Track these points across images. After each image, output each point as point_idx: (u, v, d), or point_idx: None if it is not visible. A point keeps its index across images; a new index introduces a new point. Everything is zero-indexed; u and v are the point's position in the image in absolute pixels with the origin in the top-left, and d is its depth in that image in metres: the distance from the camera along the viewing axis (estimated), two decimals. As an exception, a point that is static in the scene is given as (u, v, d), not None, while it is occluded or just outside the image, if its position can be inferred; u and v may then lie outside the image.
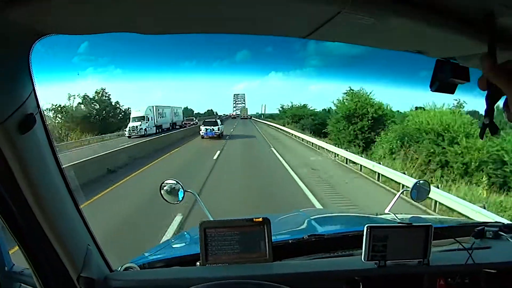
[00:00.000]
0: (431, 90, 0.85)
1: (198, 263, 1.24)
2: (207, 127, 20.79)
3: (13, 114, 0.75)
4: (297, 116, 30.07)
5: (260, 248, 1.22)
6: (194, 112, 59.60)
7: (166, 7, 0.63)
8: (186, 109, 59.43)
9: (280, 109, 37.90)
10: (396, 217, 1.70)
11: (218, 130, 20.77)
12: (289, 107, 34.85)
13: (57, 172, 0.96)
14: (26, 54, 0.77)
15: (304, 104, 32.37)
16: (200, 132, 20.97)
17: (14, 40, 0.72)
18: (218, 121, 22.63)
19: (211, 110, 66.99)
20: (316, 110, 31.87)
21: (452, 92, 0.87)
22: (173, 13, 0.66)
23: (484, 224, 1.56)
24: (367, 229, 1.15)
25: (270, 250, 1.23)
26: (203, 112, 63.53)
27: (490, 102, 0.69)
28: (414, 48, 0.86)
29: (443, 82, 0.83)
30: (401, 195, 1.90)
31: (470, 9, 0.63)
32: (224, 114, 57.87)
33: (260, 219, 1.23)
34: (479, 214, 5.32)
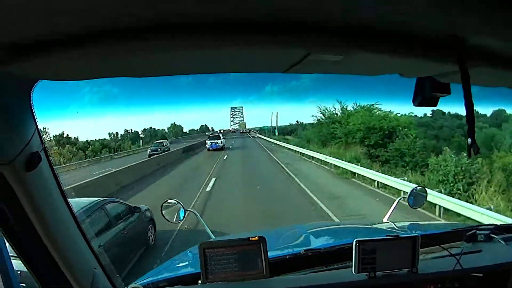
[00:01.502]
0: (413, 105, 0.91)
1: (199, 282, 1.29)
2: (212, 141, 24.92)
3: (19, 154, 0.81)
4: (374, 132, 16.67)
5: (257, 265, 1.29)
6: (184, 130, 58.15)
7: (155, 55, 0.66)
8: (174, 125, 57.93)
9: (318, 116, 22.38)
10: (395, 225, 1.76)
11: (221, 143, 24.86)
12: (350, 109, 19.98)
13: (63, 203, 1.03)
14: (27, 96, 0.83)
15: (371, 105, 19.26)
16: (206, 145, 24.86)
17: (16, 86, 0.78)
18: (221, 135, 27.12)
19: (205, 125, 65.44)
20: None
21: (435, 105, 0.93)
22: (163, 59, 0.70)
23: (476, 227, 1.59)
24: (356, 244, 1.22)
25: (266, 267, 1.29)
26: (197, 128, 62.77)
27: (470, 123, 0.73)
28: (389, 72, 0.89)
29: (424, 97, 0.89)
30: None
31: (436, 34, 0.67)
32: (220, 130, 54.23)
33: (256, 238, 1.30)
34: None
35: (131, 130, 52.41)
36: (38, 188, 0.91)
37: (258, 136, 37.92)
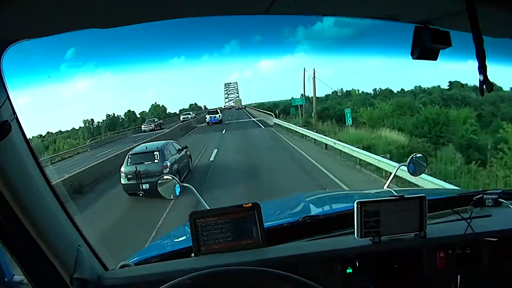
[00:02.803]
0: (412, 58, 0.93)
1: (192, 255, 1.36)
2: (211, 115, 32.75)
3: None
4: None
5: (252, 234, 1.34)
6: (167, 110, 58.23)
7: None
8: (155, 106, 56.91)
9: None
10: (395, 193, 1.81)
11: (219, 117, 32.64)
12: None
13: (40, 176, 1.06)
14: None
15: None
16: (206, 119, 32.43)
17: None
18: (219, 111, 35.53)
19: (195, 104, 66.42)
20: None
21: (435, 59, 0.95)
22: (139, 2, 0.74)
23: (483, 192, 1.67)
24: (357, 205, 1.25)
25: (262, 235, 1.34)
26: (187, 107, 63.61)
27: (481, 58, 0.77)
28: (382, 13, 0.92)
29: (423, 49, 0.92)
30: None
31: None
32: (216, 108, 55.73)
33: (250, 205, 1.34)
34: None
35: (113, 114, 51.94)
36: (9, 161, 0.93)
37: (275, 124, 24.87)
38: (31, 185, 1.03)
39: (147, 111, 57.22)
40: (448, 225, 1.44)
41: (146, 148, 9.68)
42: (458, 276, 1.30)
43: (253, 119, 33.39)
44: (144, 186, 8.53)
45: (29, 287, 1.16)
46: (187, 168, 10.53)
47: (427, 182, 6.16)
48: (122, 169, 9.07)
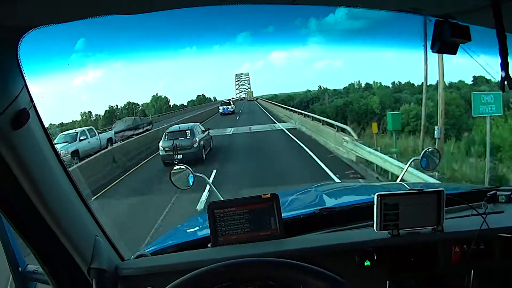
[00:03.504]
0: (432, 51, 0.99)
1: (209, 245, 1.45)
2: (224, 106, 36.75)
3: (4, 111, 0.89)
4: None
5: (270, 225, 1.43)
6: (170, 103, 57.58)
7: None
8: (156, 98, 56.71)
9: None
10: (408, 186, 1.94)
11: (232, 108, 36.68)
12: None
13: (57, 165, 1.12)
14: (13, 50, 0.90)
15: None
16: (219, 110, 36.22)
17: (1, 38, 0.84)
18: (231, 102, 40.84)
19: (203, 95, 67.73)
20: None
21: (454, 53, 1.01)
22: None
23: (496, 188, 1.77)
24: (377, 198, 1.33)
25: (281, 226, 1.43)
26: (195, 98, 65.39)
27: (504, 54, 0.82)
28: (407, 6, 0.96)
29: (444, 43, 0.97)
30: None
31: None
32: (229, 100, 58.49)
33: (269, 195, 1.43)
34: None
35: (116, 106, 51.41)
36: (27, 149, 0.98)
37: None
38: (49, 173, 1.09)
39: (149, 103, 56.43)
40: (463, 220, 1.54)
41: (179, 128, 13.92)
42: (472, 271, 1.40)
43: (276, 125, 23.50)
44: (178, 156, 12.35)
45: (44, 276, 1.25)
46: (209, 146, 14.41)
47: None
48: (161, 143, 12.98)
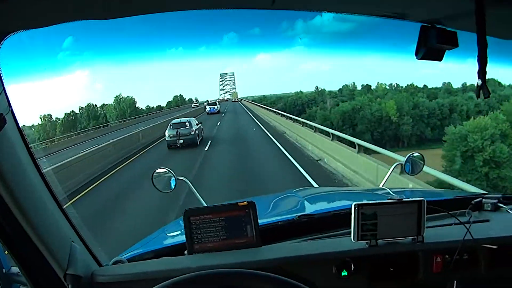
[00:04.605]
0: (416, 58, 1.09)
1: (186, 252, 1.57)
2: (211, 106, 47.03)
3: None
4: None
5: (247, 232, 1.57)
6: (137, 104, 59.46)
7: None
8: (119, 99, 56.78)
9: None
10: (391, 191, 2.12)
11: (218, 107, 46.36)
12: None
13: (34, 171, 1.24)
14: None
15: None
16: (206, 110, 46.09)
17: None
18: (217, 102, 50.43)
19: (180, 95, 74.42)
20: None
21: (440, 59, 1.11)
22: None
23: (482, 196, 1.91)
24: (355, 208, 1.44)
25: (257, 234, 1.56)
26: (171, 99, 70.58)
27: (482, 62, 0.89)
28: (393, 10, 1.06)
29: (429, 49, 1.07)
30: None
31: None
32: (207, 101, 65.80)
33: (245, 203, 1.56)
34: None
35: (92, 105, 52.25)
36: (4, 155, 1.10)
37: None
38: (25, 179, 1.21)
39: (112, 104, 56.66)
40: (446, 229, 1.67)
41: (181, 120, 20.83)
42: (455, 282, 1.53)
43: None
44: (180, 141, 19.29)
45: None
46: (201, 135, 20.88)
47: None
48: (167, 132, 19.91)
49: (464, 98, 36.82)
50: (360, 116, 32.12)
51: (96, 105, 55.97)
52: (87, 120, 50.85)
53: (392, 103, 33.24)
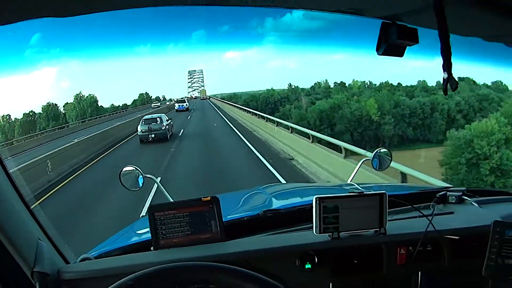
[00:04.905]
0: (377, 53, 1.17)
1: (152, 248, 1.63)
2: (179, 104, 50.05)
3: None
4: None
5: (211, 227, 1.64)
6: (98, 103, 59.21)
7: None
8: (79, 97, 56.40)
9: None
10: (358, 186, 2.24)
11: (186, 105, 49.15)
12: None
13: (0, 171, 1.30)
14: None
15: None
16: (175, 107, 48.53)
17: None
18: (186, 99, 55.26)
19: (146, 93, 74.24)
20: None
21: (401, 55, 1.19)
22: None
23: (446, 189, 2.03)
24: (316, 201, 1.52)
25: (221, 229, 1.63)
26: (137, 98, 70.72)
27: (446, 55, 0.96)
28: (350, 7, 1.13)
29: (389, 45, 1.15)
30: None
31: None
32: (170, 99, 69.44)
33: (209, 198, 1.63)
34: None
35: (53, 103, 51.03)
36: None
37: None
38: None
39: (72, 103, 55.59)
40: (410, 222, 1.77)
41: (152, 116, 22.49)
42: (419, 272, 1.63)
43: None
44: (151, 135, 21.16)
45: None
46: (171, 131, 22.87)
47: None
48: (139, 127, 21.86)
49: (444, 97, 37.39)
50: (339, 116, 31.84)
51: (56, 105, 54.55)
52: (47, 120, 49.10)
53: (373, 101, 33.08)
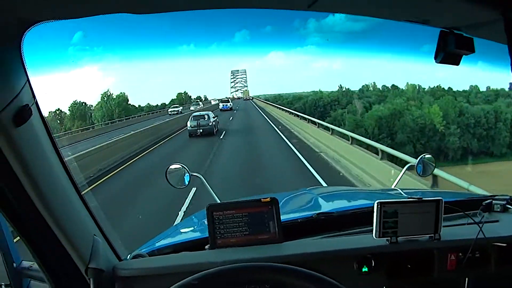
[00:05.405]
0: (435, 61, 1.20)
1: (206, 247, 1.68)
2: (224, 104, 53.80)
3: (6, 107, 1.03)
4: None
5: (269, 229, 1.67)
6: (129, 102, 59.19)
7: None
8: (108, 96, 54.65)
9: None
10: (403, 192, 2.29)
11: (230, 105, 52.87)
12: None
13: (58, 163, 1.31)
14: (17, 45, 1.04)
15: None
16: (219, 107, 51.40)
17: (3, 31, 0.98)
18: (230, 100, 59.53)
19: (185, 92, 75.60)
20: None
21: (457, 64, 1.21)
22: None
23: (492, 197, 2.07)
24: (377, 205, 1.57)
25: (279, 231, 1.67)
26: (175, 97, 71.20)
27: None
28: (417, 17, 1.14)
29: (447, 53, 1.17)
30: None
31: None
32: (216, 99, 71.63)
33: (268, 199, 1.67)
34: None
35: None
36: (29, 146, 1.14)
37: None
38: (49, 171, 1.27)
39: (99, 103, 53.88)
40: (460, 228, 1.82)
41: (200, 113, 25.88)
42: (467, 278, 1.67)
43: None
44: (200, 130, 23.81)
45: (39, 273, 1.45)
46: (217, 127, 25.09)
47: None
48: (189, 123, 24.59)
49: (505, 104, 34.83)
50: (401, 124, 30.06)
51: (84, 103, 53.93)
52: (72, 120, 49.48)
53: (437, 108, 30.84)
